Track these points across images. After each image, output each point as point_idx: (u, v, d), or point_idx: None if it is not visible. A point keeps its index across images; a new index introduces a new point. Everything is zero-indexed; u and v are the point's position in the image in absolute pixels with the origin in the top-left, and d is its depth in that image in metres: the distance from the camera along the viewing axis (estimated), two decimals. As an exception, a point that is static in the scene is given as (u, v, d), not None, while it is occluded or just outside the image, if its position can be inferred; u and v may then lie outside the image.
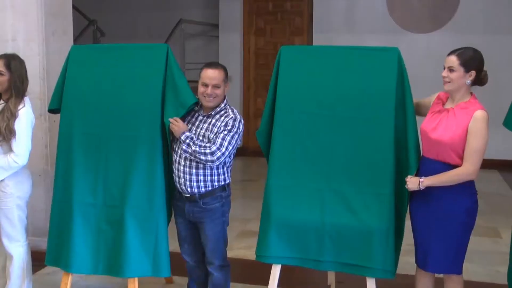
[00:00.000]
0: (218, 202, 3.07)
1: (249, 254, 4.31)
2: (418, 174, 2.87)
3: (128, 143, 3.23)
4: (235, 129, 3.01)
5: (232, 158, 3.12)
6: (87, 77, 3.35)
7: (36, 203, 4.24)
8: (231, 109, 3.11)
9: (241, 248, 4.49)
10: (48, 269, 3.93)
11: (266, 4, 8.40)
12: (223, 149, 2.95)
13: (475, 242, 4.76)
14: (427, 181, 2.76)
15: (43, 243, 4.01)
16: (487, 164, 6.89)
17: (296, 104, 3.13)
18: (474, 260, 4.23)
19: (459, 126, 2.72)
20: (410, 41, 7.37)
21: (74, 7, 4.61)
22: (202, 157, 2.95)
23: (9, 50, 4.10)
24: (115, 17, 8.86)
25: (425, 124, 2.86)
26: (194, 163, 3.02)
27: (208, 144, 2.97)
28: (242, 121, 3.08)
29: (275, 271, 3.11)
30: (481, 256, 4.34)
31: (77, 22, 5.50)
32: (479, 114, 2.70)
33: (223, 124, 3.01)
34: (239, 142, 3.08)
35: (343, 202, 3.01)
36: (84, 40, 7.95)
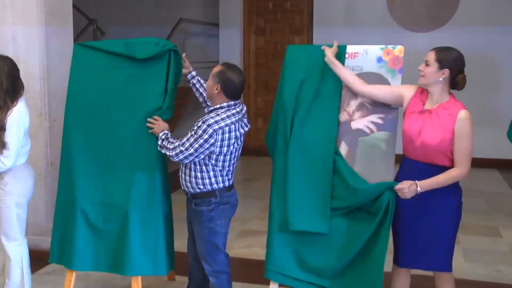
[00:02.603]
0: (206, 207, 3.02)
1: (249, 253, 4.32)
2: (401, 175, 2.86)
3: (130, 143, 3.24)
4: (200, 132, 2.85)
5: (223, 162, 2.98)
6: (89, 77, 3.37)
7: (37, 202, 4.24)
8: (219, 114, 2.93)
9: (241, 247, 4.49)
10: (48, 268, 3.93)
11: (266, 3, 8.39)
12: (182, 148, 2.91)
13: (475, 242, 4.76)
14: (424, 187, 2.73)
15: (43, 242, 4.02)
16: (487, 164, 6.94)
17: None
18: (474, 259, 4.23)
19: (445, 129, 2.71)
20: (410, 40, 7.35)
21: (74, 6, 4.61)
22: (166, 152, 3.01)
23: (10, 50, 4.11)
24: (115, 16, 8.84)
25: (407, 126, 2.82)
26: (188, 163, 3.01)
27: (175, 141, 3.00)
28: (216, 129, 2.86)
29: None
30: (481, 255, 4.34)
31: (77, 21, 5.49)
32: (463, 114, 2.70)
33: (196, 123, 2.94)
34: (212, 149, 2.89)
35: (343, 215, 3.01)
36: (84, 39, 7.93)
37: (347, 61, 3.12)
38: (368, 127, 3.04)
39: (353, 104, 3.08)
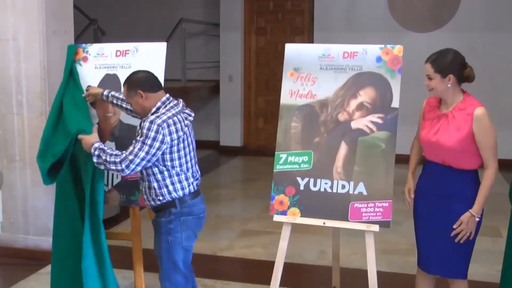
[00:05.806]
0: (165, 218, 2.80)
1: (250, 253, 4.32)
2: (423, 176, 2.85)
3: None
4: (145, 131, 2.65)
5: (179, 160, 2.78)
6: (77, 79, 3.34)
7: (37, 202, 4.25)
8: (159, 113, 2.75)
9: (242, 247, 4.49)
10: (49, 267, 3.93)
11: (267, 3, 8.41)
12: (131, 156, 2.66)
13: (476, 241, 4.75)
14: (478, 211, 2.72)
15: (43, 242, 4.03)
16: (488, 164, 6.89)
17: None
18: (475, 259, 4.20)
19: (461, 129, 2.68)
20: (410, 40, 7.36)
21: (75, 6, 4.61)
22: (113, 167, 2.70)
23: (10, 50, 4.12)
24: (116, 16, 8.86)
25: (425, 133, 2.82)
26: (144, 176, 2.82)
27: (119, 153, 2.72)
28: (160, 124, 2.68)
29: (278, 268, 3.07)
30: (482, 255, 4.33)
31: (78, 21, 5.49)
32: (479, 112, 2.66)
33: (139, 129, 2.73)
34: (162, 147, 2.69)
35: None
36: (85, 39, 7.93)
37: (346, 61, 3.13)
38: (367, 126, 3.05)
39: (353, 103, 3.08)
